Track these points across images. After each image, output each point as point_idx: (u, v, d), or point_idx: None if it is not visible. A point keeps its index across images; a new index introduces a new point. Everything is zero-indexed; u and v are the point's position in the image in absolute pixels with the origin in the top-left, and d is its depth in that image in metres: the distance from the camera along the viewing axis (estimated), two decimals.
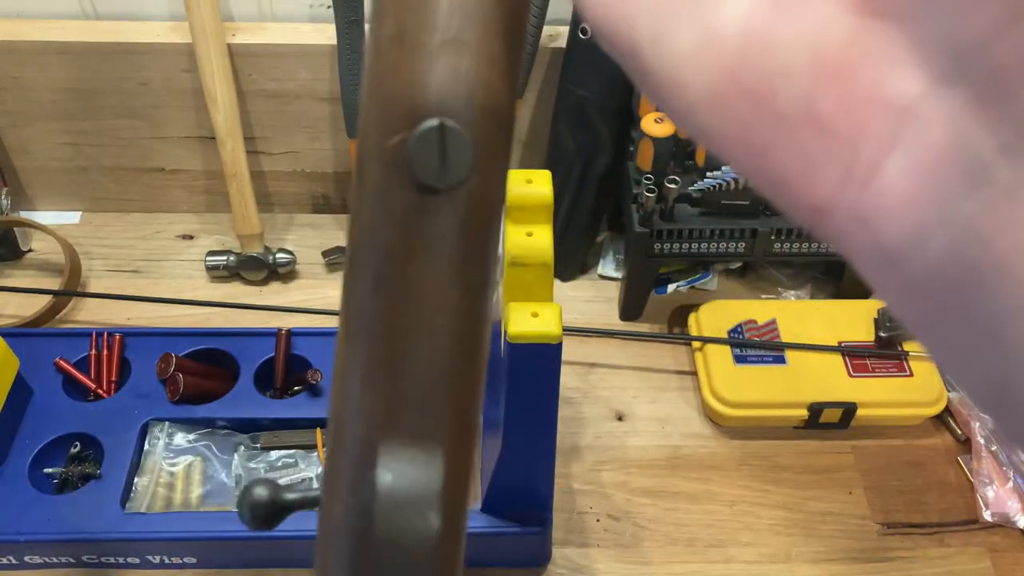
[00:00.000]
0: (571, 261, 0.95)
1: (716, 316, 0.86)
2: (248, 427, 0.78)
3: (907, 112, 0.16)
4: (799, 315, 0.86)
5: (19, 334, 0.85)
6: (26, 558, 0.72)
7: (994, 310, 0.16)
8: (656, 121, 0.82)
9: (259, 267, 0.93)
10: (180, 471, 0.75)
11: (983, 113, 0.15)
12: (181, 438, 0.77)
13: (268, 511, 0.27)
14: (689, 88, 0.18)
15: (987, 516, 0.77)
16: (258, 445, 0.77)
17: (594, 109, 0.84)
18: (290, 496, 0.28)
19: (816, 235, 0.19)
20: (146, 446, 0.76)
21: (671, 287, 0.91)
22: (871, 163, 0.17)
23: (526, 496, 0.69)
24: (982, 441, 0.80)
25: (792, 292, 0.93)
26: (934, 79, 0.16)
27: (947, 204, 0.16)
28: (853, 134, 0.17)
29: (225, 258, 0.93)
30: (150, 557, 0.72)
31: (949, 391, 0.82)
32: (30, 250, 0.96)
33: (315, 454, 0.76)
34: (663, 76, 0.18)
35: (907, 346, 0.83)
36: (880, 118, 0.16)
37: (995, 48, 0.15)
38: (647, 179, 0.83)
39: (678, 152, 0.85)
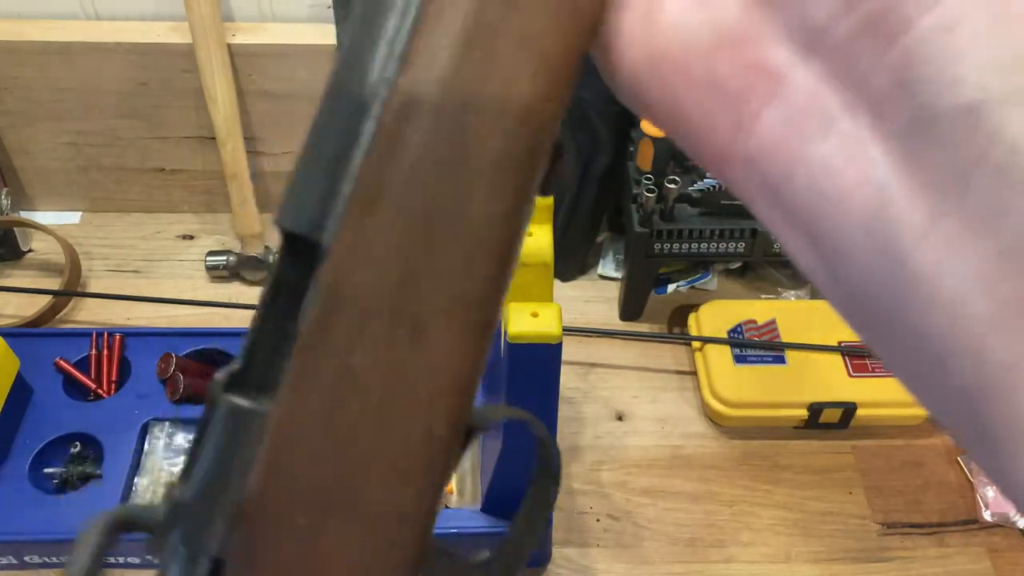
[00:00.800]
0: (571, 261, 0.95)
1: (716, 316, 0.86)
2: None
3: (780, 76, 0.21)
4: (799, 315, 0.86)
5: (19, 334, 0.85)
6: (26, 558, 0.72)
7: (841, 235, 0.20)
8: None
9: (259, 267, 0.93)
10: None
11: (832, 78, 0.21)
12: (182, 438, 0.77)
13: None
14: (634, 64, 0.24)
15: (987, 516, 0.77)
16: None
17: (594, 110, 0.84)
18: None
19: (725, 183, 0.23)
20: (146, 446, 0.76)
21: (671, 287, 0.91)
22: (754, 114, 0.22)
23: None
24: None
25: (792, 292, 0.93)
26: (798, 52, 0.21)
27: (807, 146, 0.21)
28: (741, 92, 0.22)
29: (225, 258, 0.93)
30: (150, 557, 0.72)
31: None
32: (30, 250, 0.96)
33: None
34: (614, 55, 0.24)
35: None
36: (760, 80, 0.22)
37: (836, 30, 0.20)
38: (647, 179, 0.83)
39: (678, 152, 0.85)
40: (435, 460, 0.24)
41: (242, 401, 0.23)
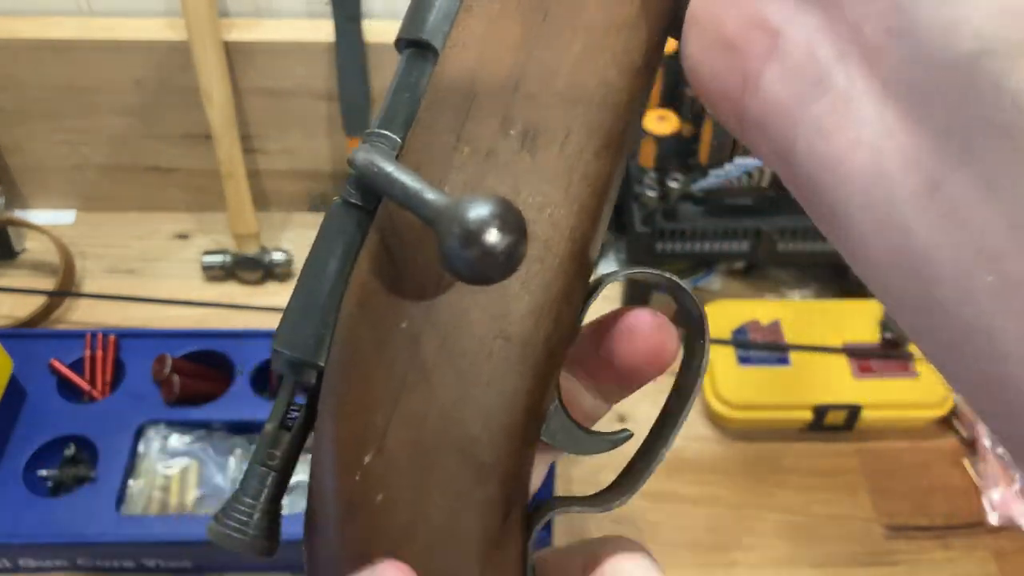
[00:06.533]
0: None
1: (719, 317, 0.85)
2: (244, 429, 0.77)
3: (778, 32, 0.20)
4: (803, 316, 0.85)
5: (13, 335, 0.84)
6: (20, 562, 0.71)
7: (842, 208, 0.19)
8: (658, 119, 0.81)
9: (255, 267, 0.92)
10: (175, 474, 0.74)
11: (825, 30, 0.19)
12: (176, 440, 0.76)
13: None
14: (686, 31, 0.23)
15: (992, 519, 0.76)
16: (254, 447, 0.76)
17: None
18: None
19: (746, 144, 0.23)
20: (141, 448, 0.75)
21: None
22: (756, 73, 0.21)
23: None
24: (988, 443, 0.79)
25: (796, 292, 0.92)
26: (796, 5, 0.20)
27: (803, 107, 0.20)
28: (744, 49, 0.21)
29: (222, 258, 0.92)
30: (145, 561, 0.71)
31: (955, 393, 0.81)
32: (24, 250, 0.95)
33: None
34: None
35: (912, 347, 0.82)
36: (760, 37, 0.21)
37: None
38: (649, 177, 0.82)
39: (681, 150, 0.84)
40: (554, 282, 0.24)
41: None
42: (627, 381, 0.28)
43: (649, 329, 0.26)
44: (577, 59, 0.24)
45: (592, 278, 0.26)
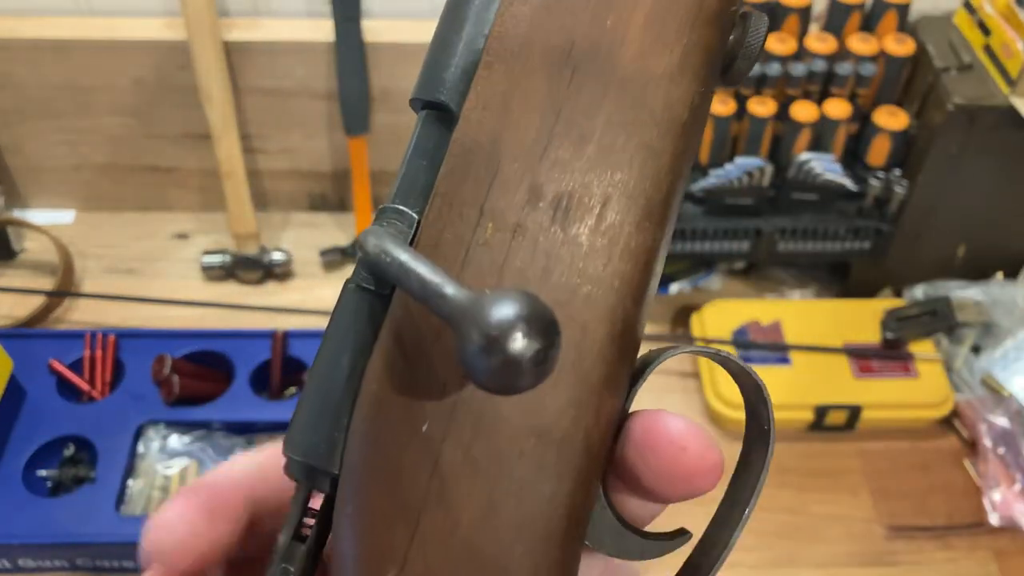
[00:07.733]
0: None
1: (720, 316, 0.85)
2: (244, 429, 0.77)
3: None
4: (804, 315, 0.85)
5: (12, 335, 0.84)
6: (20, 562, 0.71)
7: None
8: None
9: (255, 267, 0.92)
10: (175, 474, 0.74)
11: None
12: (176, 440, 0.75)
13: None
14: None
15: (993, 519, 0.76)
16: (254, 447, 0.76)
17: None
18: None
19: None
20: (140, 449, 0.75)
21: (674, 287, 0.90)
22: None
23: None
24: (989, 444, 0.79)
25: (797, 292, 0.92)
26: None
27: None
28: None
29: (221, 258, 0.92)
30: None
31: (956, 393, 0.81)
32: (23, 250, 0.95)
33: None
34: None
35: (913, 347, 0.82)
36: None
37: None
38: None
39: None
40: (589, 364, 0.21)
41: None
42: (653, 498, 0.23)
43: (669, 444, 0.22)
44: (610, 119, 0.21)
45: (640, 355, 0.23)
